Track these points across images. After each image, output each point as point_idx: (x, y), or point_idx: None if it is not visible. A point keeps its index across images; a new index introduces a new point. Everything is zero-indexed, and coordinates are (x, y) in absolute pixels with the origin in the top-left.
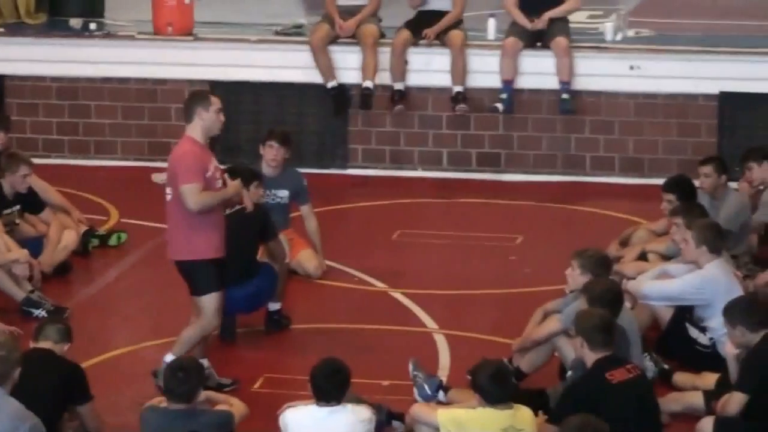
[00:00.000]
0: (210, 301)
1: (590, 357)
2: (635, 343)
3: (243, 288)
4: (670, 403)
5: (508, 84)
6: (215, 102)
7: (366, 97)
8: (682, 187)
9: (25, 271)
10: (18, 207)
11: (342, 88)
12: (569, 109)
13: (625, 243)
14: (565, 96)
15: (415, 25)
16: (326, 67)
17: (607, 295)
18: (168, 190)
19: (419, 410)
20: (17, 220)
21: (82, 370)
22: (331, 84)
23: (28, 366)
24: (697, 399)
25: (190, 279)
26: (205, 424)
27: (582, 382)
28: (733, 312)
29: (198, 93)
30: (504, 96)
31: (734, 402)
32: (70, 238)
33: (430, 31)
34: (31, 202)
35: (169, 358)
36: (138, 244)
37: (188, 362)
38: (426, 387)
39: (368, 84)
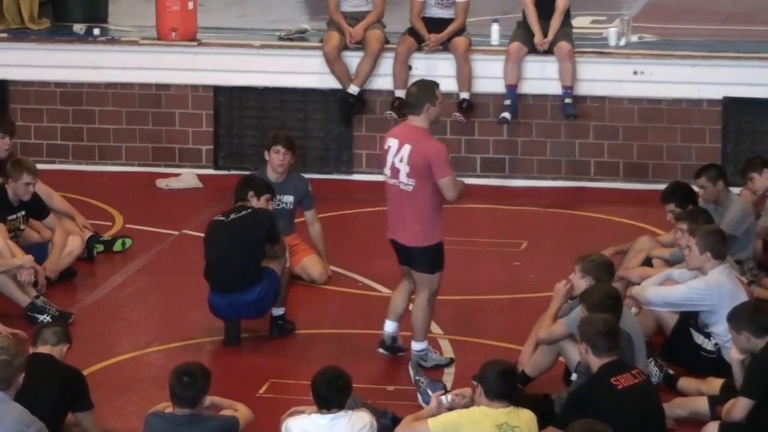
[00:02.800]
0: (439, 277)
1: (595, 362)
2: (640, 349)
3: (248, 293)
4: (675, 408)
5: (511, 89)
6: (439, 96)
7: (350, 104)
8: (678, 194)
9: (29, 276)
10: (22, 213)
11: (361, 94)
12: (572, 114)
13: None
14: (568, 100)
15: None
16: (343, 74)
17: (606, 301)
18: (408, 180)
19: (408, 428)
20: (22, 226)
21: (82, 377)
22: (350, 89)
23: (28, 372)
24: (702, 404)
25: (427, 260)
26: (209, 430)
27: (587, 387)
28: (738, 317)
29: (427, 86)
30: (508, 102)
31: (739, 407)
32: (75, 244)
33: (433, 38)
34: (36, 208)
35: (417, 346)
36: (143, 250)
37: (195, 367)
38: (429, 392)
39: (354, 90)
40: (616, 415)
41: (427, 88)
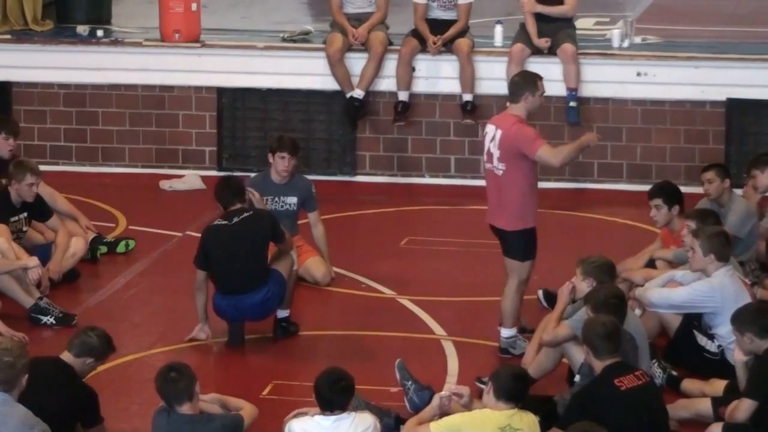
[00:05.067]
0: (530, 266)
1: (598, 364)
2: (644, 350)
3: (254, 295)
4: (679, 409)
5: None
6: (541, 87)
7: (356, 108)
8: (667, 191)
9: (37, 275)
10: (25, 214)
11: (365, 98)
12: (576, 122)
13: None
14: (572, 104)
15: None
16: (344, 78)
17: (611, 301)
18: (499, 165)
19: (411, 431)
20: (25, 228)
21: (92, 395)
22: (350, 94)
23: (41, 379)
24: (705, 405)
25: (521, 245)
26: (215, 429)
27: (591, 389)
28: (742, 319)
29: (529, 76)
30: None
31: (743, 409)
32: (78, 246)
33: (437, 40)
34: (39, 210)
35: (505, 333)
36: (146, 251)
37: (174, 364)
38: (416, 399)
39: (359, 93)
40: (619, 416)
41: (529, 77)
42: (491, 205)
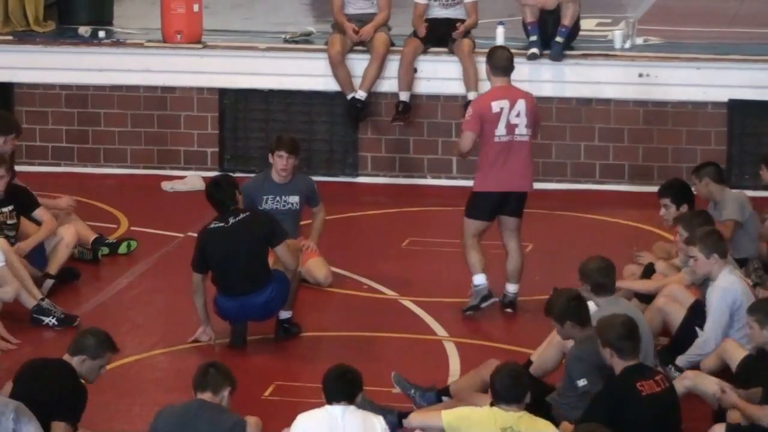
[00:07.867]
0: None
1: (619, 365)
2: (648, 346)
3: (257, 296)
4: (685, 380)
5: (533, 26)
6: None
7: (358, 109)
8: (674, 190)
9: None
10: (10, 207)
11: (366, 100)
12: (558, 56)
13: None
14: (558, 39)
15: (424, 34)
16: (345, 79)
17: (570, 303)
18: (525, 131)
19: (422, 417)
20: (9, 221)
21: (82, 393)
22: (352, 95)
23: (43, 375)
24: (710, 386)
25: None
26: (225, 422)
27: (613, 390)
28: (764, 311)
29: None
30: (534, 38)
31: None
32: (67, 234)
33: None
34: (25, 202)
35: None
36: (147, 252)
37: (218, 363)
38: (424, 403)
39: (361, 95)
40: (636, 420)
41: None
42: (516, 172)
